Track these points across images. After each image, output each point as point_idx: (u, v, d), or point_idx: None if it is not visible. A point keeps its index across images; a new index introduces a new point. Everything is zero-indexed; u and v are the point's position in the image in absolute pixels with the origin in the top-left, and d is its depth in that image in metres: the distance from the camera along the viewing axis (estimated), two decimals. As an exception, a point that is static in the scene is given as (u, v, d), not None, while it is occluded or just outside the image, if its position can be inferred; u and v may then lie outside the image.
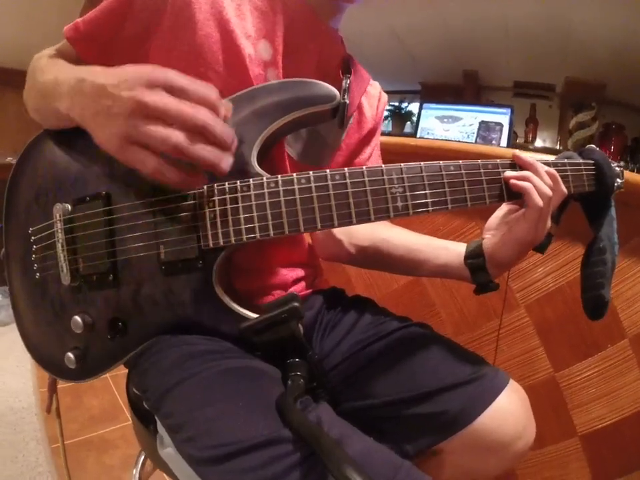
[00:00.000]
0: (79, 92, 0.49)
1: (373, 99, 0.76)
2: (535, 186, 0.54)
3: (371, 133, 0.76)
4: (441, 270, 0.65)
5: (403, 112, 2.92)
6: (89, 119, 0.48)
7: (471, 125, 2.18)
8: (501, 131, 2.06)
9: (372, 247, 0.70)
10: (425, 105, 2.39)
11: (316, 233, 0.77)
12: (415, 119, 2.57)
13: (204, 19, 0.58)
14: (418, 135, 2.32)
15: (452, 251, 0.64)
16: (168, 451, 0.53)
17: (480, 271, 0.61)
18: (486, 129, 2.10)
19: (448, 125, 2.27)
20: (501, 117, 2.09)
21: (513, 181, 0.55)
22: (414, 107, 2.77)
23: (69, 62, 0.62)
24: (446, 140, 2.11)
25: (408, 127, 2.94)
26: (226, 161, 0.46)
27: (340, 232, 0.73)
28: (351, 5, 0.65)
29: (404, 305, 1.31)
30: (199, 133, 0.44)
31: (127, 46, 0.61)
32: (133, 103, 0.43)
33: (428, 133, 2.30)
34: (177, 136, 0.43)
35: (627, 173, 0.88)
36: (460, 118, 2.24)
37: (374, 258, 0.71)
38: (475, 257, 0.61)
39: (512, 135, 2.12)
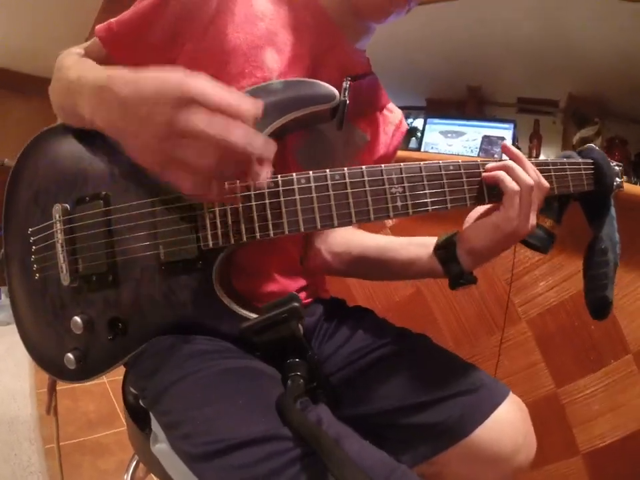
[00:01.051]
0: (100, 101, 0.48)
1: (389, 125, 0.75)
2: (512, 173, 0.53)
3: (382, 160, 0.74)
4: (414, 266, 0.63)
5: (409, 128, 2.95)
6: (117, 133, 0.47)
7: (474, 140, 2.20)
8: (503, 145, 2.07)
9: (346, 252, 0.70)
10: (429, 120, 2.41)
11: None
12: (419, 134, 2.59)
13: (233, 31, 0.58)
14: (422, 150, 2.33)
15: (422, 243, 0.63)
16: (161, 447, 0.52)
17: (451, 261, 0.59)
18: (488, 143, 2.11)
19: (451, 140, 2.29)
20: (504, 131, 2.11)
21: (485, 174, 0.54)
22: (419, 123, 2.79)
23: (98, 62, 0.63)
24: (450, 154, 2.12)
25: (413, 143, 2.97)
26: (264, 176, 0.44)
27: (319, 242, 0.73)
28: (379, 24, 0.65)
29: (405, 318, 1.30)
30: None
31: (156, 51, 0.62)
32: (165, 126, 0.41)
33: (432, 148, 2.32)
34: (211, 162, 0.41)
35: (631, 186, 0.88)
36: (463, 133, 2.26)
37: (349, 263, 0.71)
38: (444, 247, 0.59)
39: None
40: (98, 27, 0.63)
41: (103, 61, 0.63)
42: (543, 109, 2.42)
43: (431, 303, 1.27)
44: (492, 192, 0.54)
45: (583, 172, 0.60)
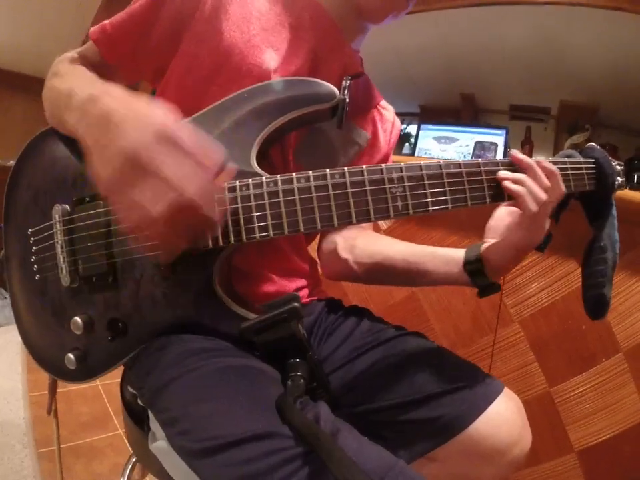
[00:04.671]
0: (86, 110, 0.48)
1: (387, 123, 0.76)
2: (529, 190, 0.53)
3: (384, 159, 0.76)
4: (442, 279, 0.65)
5: (402, 133, 2.97)
6: (91, 144, 0.46)
7: (467, 146, 2.22)
8: (495, 150, 2.09)
9: (374, 264, 0.70)
10: (422, 126, 2.43)
11: (322, 253, 0.77)
12: (413, 140, 2.61)
13: (229, 29, 0.59)
14: (415, 155, 2.35)
15: (451, 258, 0.64)
16: (159, 444, 0.52)
17: (479, 275, 0.60)
18: (481, 149, 2.13)
19: (445, 146, 2.30)
20: (496, 137, 2.13)
21: (505, 184, 0.53)
22: (412, 129, 2.81)
23: (93, 65, 0.64)
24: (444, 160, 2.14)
25: (406, 148, 2.98)
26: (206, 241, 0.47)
27: (344, 251, 0.73)
28: (376, 25, 0.66)
29: (399, 321, 1.29)
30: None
31: (153, 52, 0.62)
32: (135, 153, 0.41)
33: (425, 153, 2.33)
34: (162, 210, 0.41)
35: (621, 192, 0.89)
36: (456, 139, 2.28)
37: (377, 274, 0.71)
38: (472, 263, 0.61)
39: (507, 154, 2.15)
40: (92, 29, 0.63)
41: (98, 63, 0.64)
42: (534, 115, 2.46)
43: (425, 305, 1.28)
44: (493, 192, 0.54)
45: (585, 171, 0.60)
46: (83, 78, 0.58)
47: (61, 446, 1.21)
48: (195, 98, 0.60)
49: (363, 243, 0.72)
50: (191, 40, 0.60)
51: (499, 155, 2.07)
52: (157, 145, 0.41)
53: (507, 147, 2.11)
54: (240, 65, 0.59)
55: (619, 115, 2.10)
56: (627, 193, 0.94)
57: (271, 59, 0.60)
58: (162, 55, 0.63)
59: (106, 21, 0.63)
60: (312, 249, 0.79)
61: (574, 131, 2.10)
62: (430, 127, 2.40)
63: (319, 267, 0.80)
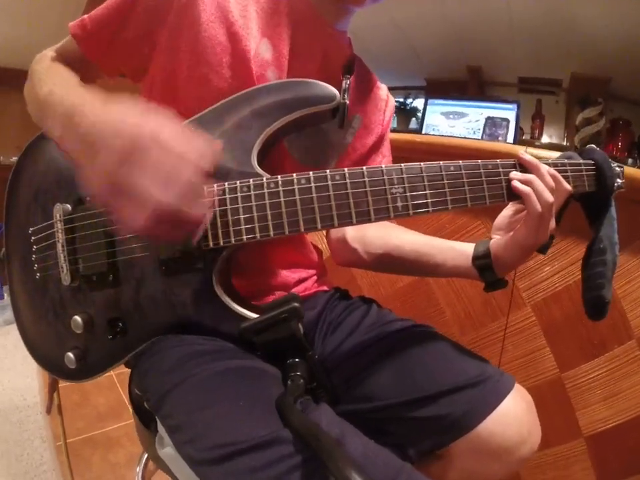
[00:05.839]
0: (66, 127, 0.48)
1: (381, 102, 0.76)
2: (535, 191, 0.54)
3: (380, 139, 0.76)
4: (451, 272, 0.65)
5: (408, 108, 2.90)
6: (75, 159, 0.47)
7: (477, 121, 2.16)
8: (507, 126, 2.04)
9: (385, 255, 0.70)
10: (430, 101, 2.37)
11: (332, 241, 0.77)
12: (420, 114, 2.55)
13: (208, 20, 0.58)
14: (423, 131, 2.30)
15: (460, 253, 0.64)
16: (167, 451, 0.53)
17: (487, 270, 0.61)
18: (492, 125, 2.08)
19: (453, 121, 2.25)
20: (508, 112, 2.07)
21: (514, 184, 0.54)
22: (419, 103, 2.75)
23: (73, 60, 0.63)
24: (452, 136, 2.09)
25: (413, 123, 2.92)
26: (195, 238, 0.48)
27: (354, 241, 0.73)
28: (359, 8, 0.65)
29: (409, 304, 1.30)
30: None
31: (130, 46, 0.61)
32: (108, 173, 0.41)
33: (433, 129, 2.29)
34: (144, 218, 0.41)
35: (634, 170, 0.86)
36: (466, 114, 2.22)
37: (387, 264, 0.71)
38: (481, 258, 0.61)
39: (518, 131, 2.10)
40: (72, 24, 0.62)
41: (78, 58, 0.63)
42: (545, 88, 2.39)
43: (435, 288, 1.27)
44: (493, 193, 0.55)
45: (584, 173, 0.60)
46: (61, 83, 0.57)
47: (78, 438, 1.24)
48: (180, 92, 0.60)
49: (373, 232, 0.72)
50: (169, 34, 0.59)
51: (511, 132, 2.01)
52: (129, 157, 0.40)
53: (518, 122, 2.05)
54: (221, 57, 0.58)
55: (632, 88, 2.03)
56: (636, 172, 0.90)
57: (252, 47, 0.59)
58: (139, 50, 0.62)
59: (85, 16, 0.62)
60: (316, 237, 0.78)
61: (586, 105, 2.04)
62: (438, 101, 2.34)
63: (323, 256, 0.79)
